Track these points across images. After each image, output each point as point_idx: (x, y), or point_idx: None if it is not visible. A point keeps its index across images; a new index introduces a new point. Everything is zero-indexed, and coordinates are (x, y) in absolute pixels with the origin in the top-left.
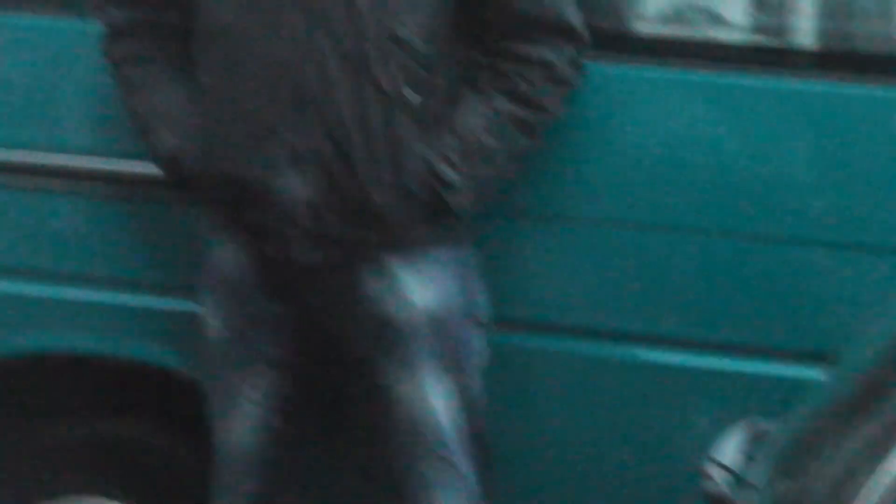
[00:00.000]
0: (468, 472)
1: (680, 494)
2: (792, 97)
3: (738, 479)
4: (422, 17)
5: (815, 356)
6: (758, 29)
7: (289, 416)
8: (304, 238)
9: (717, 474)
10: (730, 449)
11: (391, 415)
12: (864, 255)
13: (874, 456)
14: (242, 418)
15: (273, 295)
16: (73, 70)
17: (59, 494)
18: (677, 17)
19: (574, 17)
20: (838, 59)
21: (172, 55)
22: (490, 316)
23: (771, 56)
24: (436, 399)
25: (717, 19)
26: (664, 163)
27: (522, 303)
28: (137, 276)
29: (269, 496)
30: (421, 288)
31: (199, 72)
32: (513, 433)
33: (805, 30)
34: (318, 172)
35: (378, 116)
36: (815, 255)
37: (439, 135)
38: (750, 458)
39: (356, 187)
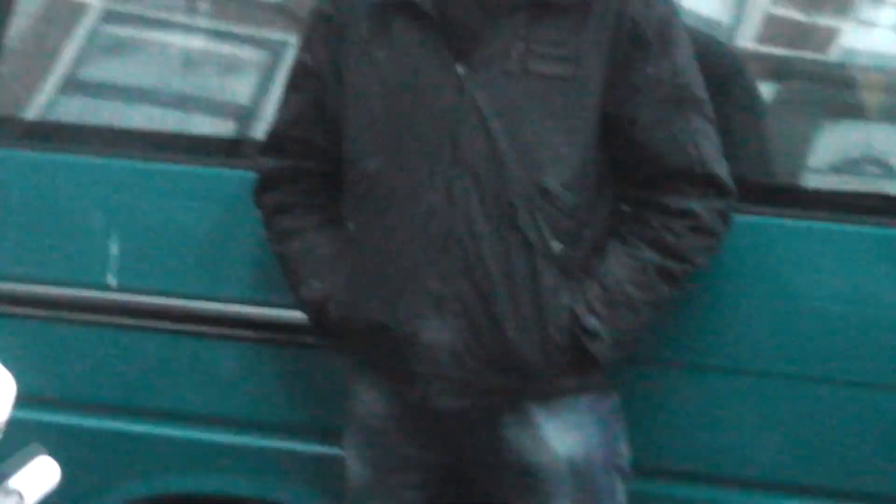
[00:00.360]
0: None
1: None
2: None
3: None
4: (568, 168)
5: None
6: None
7: None
8: (446, 385)
9: None
10: None
11: None
12: None
13: None
14: None
15: (415, 440)
16: (231, 219)
17: None
18: (848, 169)
19: (721, 169)
20: None
21: (321, 203)
22: (632, 464)
23: None
24: None
25: (889, 171)
26: (824, 315)
27: (665, 452)
28: (282, 419)
29: None
30: (563, 436)
31: (346, 219)
32: None
33: None
34: (462, 320)
35: (523, 266)
36: None
37: (584, 284)
38: None
39: (499, 335)
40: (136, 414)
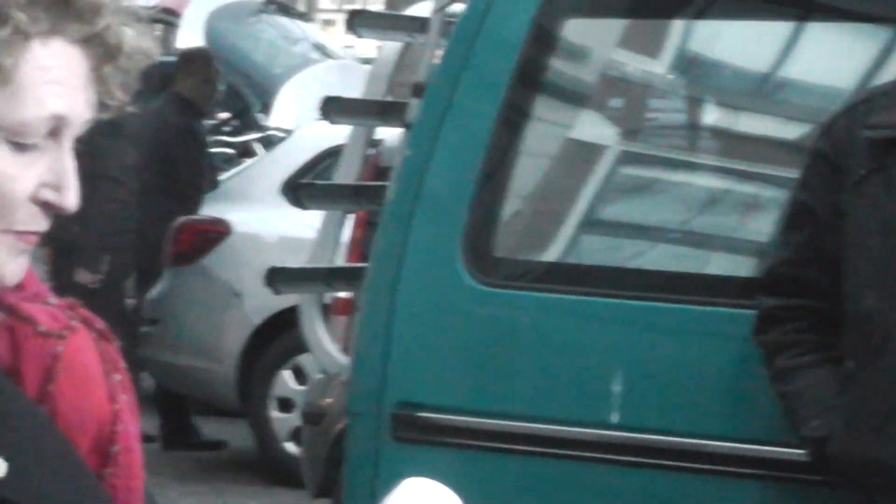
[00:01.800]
0: None
1: None
2: None
3: None
4: None
5: None
6: None
7: None
8: None
9: None
10: None
11: None
12: None
13: None
14: None
15: None
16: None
17: None
18: None
19: None
20: None
21: (819, 341)
22: None
23: None
24: None
25: None
26: None
27: None
28: None
29: None
30: None
31: (844, 356)
32: None
33: None
34: None
35: None
36: None
37: None
38: None
39: None
40: None
